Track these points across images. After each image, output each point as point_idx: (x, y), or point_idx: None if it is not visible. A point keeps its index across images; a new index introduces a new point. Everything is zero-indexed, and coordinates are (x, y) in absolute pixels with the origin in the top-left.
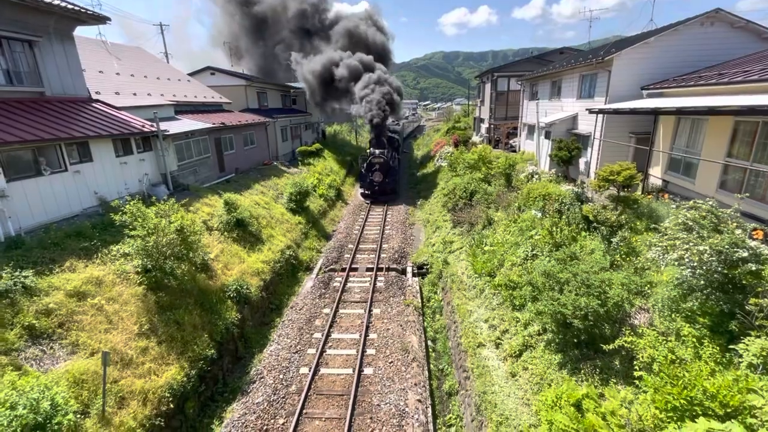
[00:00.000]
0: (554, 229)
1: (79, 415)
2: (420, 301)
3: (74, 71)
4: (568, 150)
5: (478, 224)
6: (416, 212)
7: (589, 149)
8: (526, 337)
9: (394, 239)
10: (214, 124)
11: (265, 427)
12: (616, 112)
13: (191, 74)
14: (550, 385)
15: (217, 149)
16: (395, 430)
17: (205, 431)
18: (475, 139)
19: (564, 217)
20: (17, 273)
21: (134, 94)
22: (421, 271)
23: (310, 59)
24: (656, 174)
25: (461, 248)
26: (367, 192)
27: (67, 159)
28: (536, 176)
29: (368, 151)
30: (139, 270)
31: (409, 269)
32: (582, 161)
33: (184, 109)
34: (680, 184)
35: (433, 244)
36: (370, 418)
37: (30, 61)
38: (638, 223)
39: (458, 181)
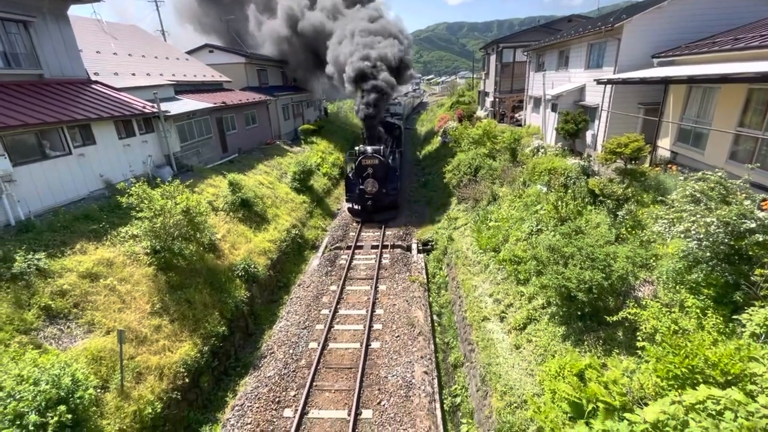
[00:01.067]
0: (559, 203)
1: (99, 390)
2: (425, 277)
3: (71, 52)
4: (575, 123)
5: (483, 200)
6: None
7: (597, 121)
8: (530, 311)
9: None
10: (215, 103)
11: (277, 399)
12: (625, 82)
13: (189, 52)
14: (553, 357)
15: (219, 129)
16: (403, 401)
17: (220, 403)
18: (480, 113)
19: (570, 191)
20: (30, 256)
21: (133, 75)
22: (425, 247)
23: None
24: (665, 146)
25: (466, 224)
26: (356, 207)
27: (71, 142)
28: (542, 150)
29: (357, 148)
30: (149, 251)
31: (414, 246)
32: (589, 134)
33: (184, 88)
34: (689, 155)
35: (437, 221)
36: (378, 389)
37: (26, 43)
38: (645, 196)
39: (462, 157)
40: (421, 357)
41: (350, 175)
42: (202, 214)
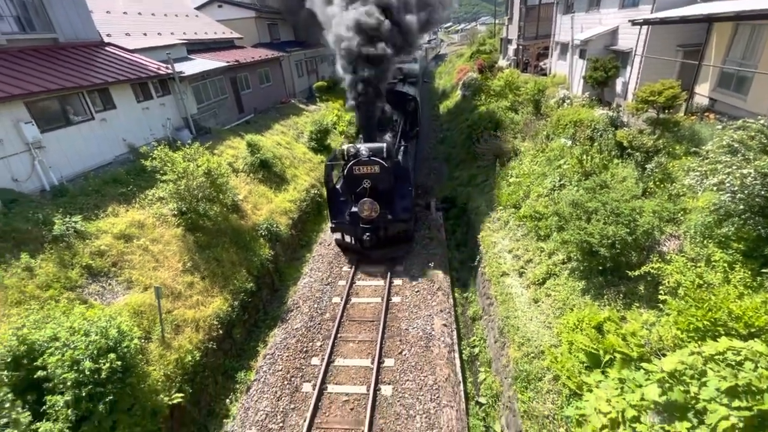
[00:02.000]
0: (584, 157)
1: (142, 340)
2: (444, 234)
3: (82, 13)
4: (605, 70)
5: (504, 156)
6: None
7: (629, 68)
8: (550, 266)
9: None
10: (228, 62)
11: (304, 349)
12: (663, 21)
13: (198, 8)
14: (572, 310)
15: (233, 89)
16: (423, 351)
17: (252, 353)
18: (502, 63)
19: (596, 144)
20: (67, 219)
21: (144, 35)
22: (444, 205)
23: None
24: (703, 92)
25: (485, 181)
26: (348, 241)
27: (92, 107)
28: (567, 101)
29: (344, 147)
30: (176, 213)
31: (433, 204)
32: (619, 82)
33: (196, 48)
34: (730, 102)
35: (457, 178)
36: (399, 340)
37: (38, 6)
38: (677, 148)
39: (483, 110)
40: (441, 311)
41: (335, 187)
42: (224, 176)
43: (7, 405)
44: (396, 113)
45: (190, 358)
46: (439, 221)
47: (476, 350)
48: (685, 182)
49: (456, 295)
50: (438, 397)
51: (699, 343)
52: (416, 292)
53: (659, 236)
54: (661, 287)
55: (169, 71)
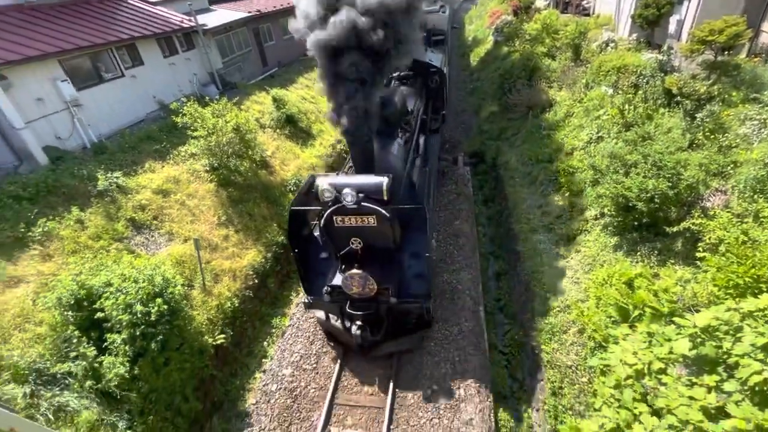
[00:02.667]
0: (626, 107)
1: (185, 287)
2: (471, 190)
3: None
4: (657, 7)
5: (537, 107)
6: None
7: (686, 3)
8: (581, 222)
9: None
10: (249, 12)
11: None
12: None
13: None
14: (602, 266)
15: (257, 42)
16: (449, 303)
17: (286, 301)
18: (540, 3)
19: (640, 92)
20: (109, 174)
21: None
22: (472, 160)
23: None
24: None
25: (517, 134)
26: (334, 324)
27: (121, 64)
28: (611, 45)
29: (319, 182)
30: (208, 168)
31: (460, 159)
32: (673, 20)
33: None
34: None
35: (486, 131)
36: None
37: None
38: (734, 95)
39: (516, 58)
40: (467, 265)
41: (318, 237)
42: (252, 131)
43: (75, 341)
44: (412, 94)
45: (229, 305)
46: (466, 176)
47: (501, 303)
48: (740, 132)
49: (482, 250)
50: (463, 346)
51: (738, 300)
52: (441, 247)
53: (704, 191)
54: (700, 244)
55: (193, 24)
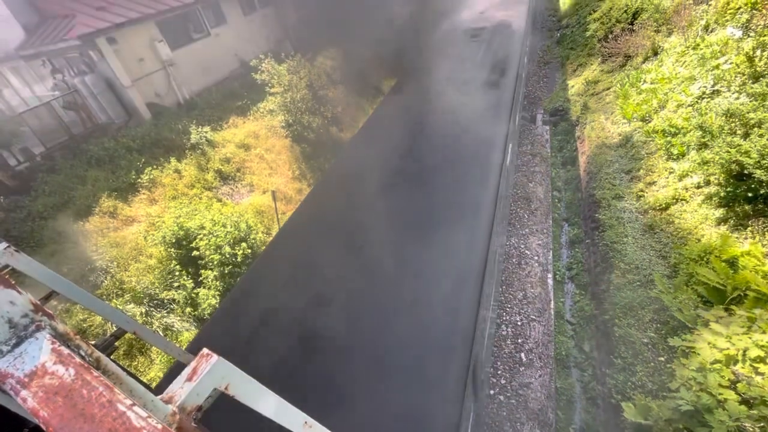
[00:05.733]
0: (758, 52)
1: (264, 234)
2: (549, 151)
3: None
4: None
5: (638, 56)
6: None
7: None
8: (680, 190)
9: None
10: None
11: None
12: None
13: None
14: (698, 241)
15: None
16: (514, 268)
17: None
18: None
19: None
20: (200, 129)
21: None
22: (553, 118)
23: None
24: None
25: (609, 88)
26: None
27: (207, 23)
28: None
29: None
30: (284, 125)
31: (539, 117)
32: None
33: None
34: None
35: (572, 86)
36: None
37: None
38: None
39: None
40: (537, 231)
41: None
42: (325, 88)
43: (177, 273)
44: None
45: None
46: (545, 136)
47: (573, 272)
48: None
49: (555, 215)
50: (526, 312)
51: None
52: (510, 211)
53: None
54: None
55: None
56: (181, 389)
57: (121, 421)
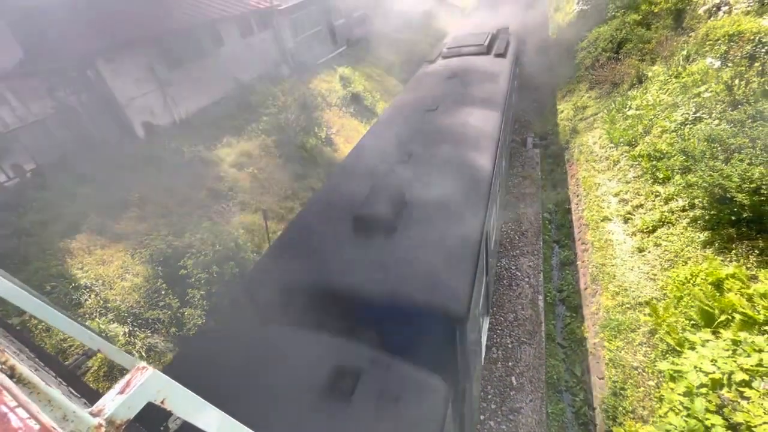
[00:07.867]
0: (737, 81)
1: (254, 254)
2: (539, 173)
3: None
4: None
5: (624, 83)
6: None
7: None
8: (665, 213)
9: None
10: None
11: None
12: None
13: None
14: (685, 263)
15: (326, 20)
16: (505, 290)
17: None
18: None
19: (756, 64)
20: (193, 148)
21: None
22: (543, 141)
23: None
24: None
25: (596, 114)
26: None
27: (204, 45)
28: (724, 9)
29: None
30: (277, 144)
31: (529, 140)
32: None
33: None
34: None
35: (561, 111)
36: None
37: None
38: None
39: (604, 29)
40: (528, 252)
41: None
42: (318, 109)
43: (163, 292)
44: None
45: None
46: (535, 159)
47: (563, 294)
48: None
49: (546, 237)
50: (516, 334)
51: None
52: (502, 232)
53: None
54: None
55: (268, 5)
56: (111, 402)
57: None
